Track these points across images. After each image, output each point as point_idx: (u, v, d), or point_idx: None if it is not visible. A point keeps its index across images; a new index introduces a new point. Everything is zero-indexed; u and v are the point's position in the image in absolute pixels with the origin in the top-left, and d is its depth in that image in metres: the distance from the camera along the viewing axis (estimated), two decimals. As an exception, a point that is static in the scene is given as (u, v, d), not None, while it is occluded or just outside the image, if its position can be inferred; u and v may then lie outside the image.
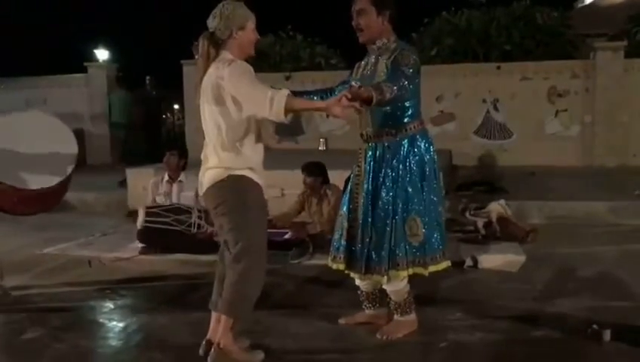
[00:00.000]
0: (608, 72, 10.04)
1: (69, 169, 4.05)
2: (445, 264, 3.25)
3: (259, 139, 2.97)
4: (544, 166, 9.49)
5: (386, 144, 3.19)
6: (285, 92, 2.72)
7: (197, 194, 5.99)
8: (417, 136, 3.20)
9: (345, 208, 3.34)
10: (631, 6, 15.49)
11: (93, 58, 13.52)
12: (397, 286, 3.22)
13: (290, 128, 10.21)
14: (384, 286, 3.27)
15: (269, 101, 2.68)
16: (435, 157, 3.28)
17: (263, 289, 3.01)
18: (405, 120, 3.18)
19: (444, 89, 10.73)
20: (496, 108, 10.56)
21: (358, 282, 3.38)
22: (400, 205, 3.12)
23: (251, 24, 2.95)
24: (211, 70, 2.87)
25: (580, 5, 23.16)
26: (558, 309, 3.75)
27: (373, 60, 3.24)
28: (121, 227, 6.36)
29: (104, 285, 4.41)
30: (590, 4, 23.46)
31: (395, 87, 2.88)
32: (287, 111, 2.69)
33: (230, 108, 2.83)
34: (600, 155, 9.99)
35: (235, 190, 2.89)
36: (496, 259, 4.79)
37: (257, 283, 2.93)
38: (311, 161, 5.69)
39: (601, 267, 4.68)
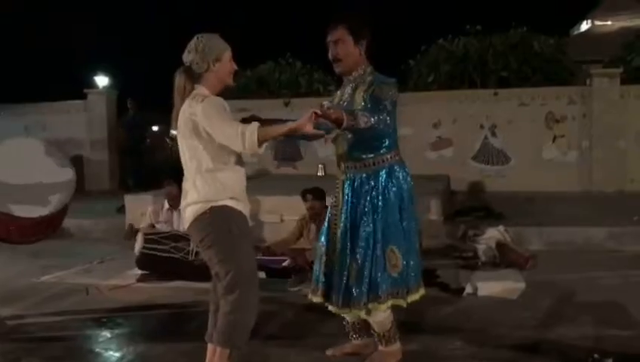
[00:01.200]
0: (605, 98, 10.10)
1: (66, 197, 4.04)
2: (422, 292, 3.24)
3: (239, 165, 2.97)
4: (542, 191, 9.49)
5: (364, 175, 3.17)
6: (255, 125, 2.73)
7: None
8: (395, 167, 3.19)
9: (323, 238, 3.32)
10: (625, 34, 15.69)
11: (92, 85, 13.60)
12: (379, 317, 3.16)
13: (289, 154, 10.21)
14: (365, 318, 3.22)
15: (241, 137, 2.71)
16: (412, 186, 3.27)
17: (261, 317, 2.99)
18: (382, 150, 3.16)
19: (442, 115, 10.78)
20: (494, 134, 10.60)
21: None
22: (380, 236, 3.09)
23: (228, 54, 2.98)
24: (185, 106, 2.89)
25: (575, 32, 23.46)
26: (559, 337, 3.73)
27: (349, 91, 3.21)
28: (119, 253, 6.33)
29: (101, 313, 4.38)
30: (585, 32, 23.76)
31: (372, 119, 2.88)
32: (260, 143, 2.72)
33: (206, 142, 2.85)
34: (598, 181, 10.00)
35: (219, 221, 2.89)
36: (495, 286, 4.76)
37: (251, 312, 2.92)
38: (315, 186, 5.70)
39: (602, 294, 4.66)
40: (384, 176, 3.15)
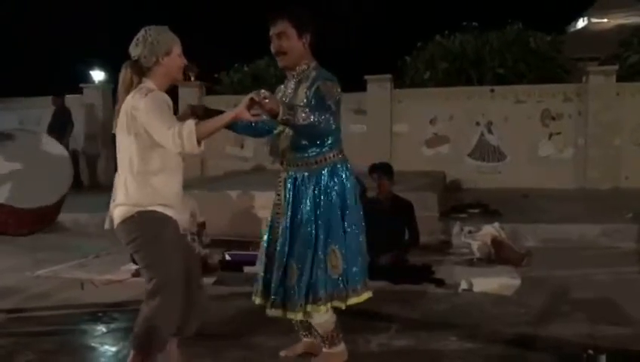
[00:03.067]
0: (601, 95, 10.13)
1: (63, 189, 4.04)
2: (367, 295, 3.10)
3: (175, 169, 2.86)
4: (537, 188, 9.52)
5: (306, 173, 3.06)
6: (192, 124, 2.63)
7: (192, 215, 6.01)
8: (338, 165, 3.09)
9: (265, 238, 3.23)
10: (621, 31, 15.74)
11: (88, 79, 13.56)
12: (320, 318, 3.05)
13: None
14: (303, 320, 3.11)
15: (179, 137, 2.60)
16: (355, 185, 3.18)
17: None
18: (325, 149, 3.06)
19: (438, 112, 10.81)
20: (490, 131, 10.62)
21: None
22: (322, 236, 2.99)
23: (177, 49, 2.87)
24: (128, 98, 2.77)
25: (571, 30, 23.50)
26: (553, 333, 3.74)
27: (292, 86, 3.13)
28: (114, 248, 6.32)
29: (96, 308, 4.38)
30: (582, 29, 23.82)
31: (311, 116, 2.77)
32: (199, 141, 2.63)
33: (142, 140, 2.75)
34: (593, 178, 10.03)
35: (145, 228, 2.80)
36: (490, 283, 4.78)
37: (170, 320, 2.84)
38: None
39: (596, 290, 4.68)
40: (326, 174, 3.04)
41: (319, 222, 3.00)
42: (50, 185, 3.99)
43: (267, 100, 2.65)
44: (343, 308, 3.06)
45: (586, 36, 21.23)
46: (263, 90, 2.68)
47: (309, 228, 3.00)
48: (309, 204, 3.02)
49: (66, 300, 4.64)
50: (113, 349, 3.67)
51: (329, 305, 3.01)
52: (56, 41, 20.65)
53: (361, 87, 11.11)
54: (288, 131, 3.04)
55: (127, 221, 2.81)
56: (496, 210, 7.37)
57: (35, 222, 4.04)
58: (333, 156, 3.09)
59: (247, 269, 5.24)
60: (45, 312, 4.35)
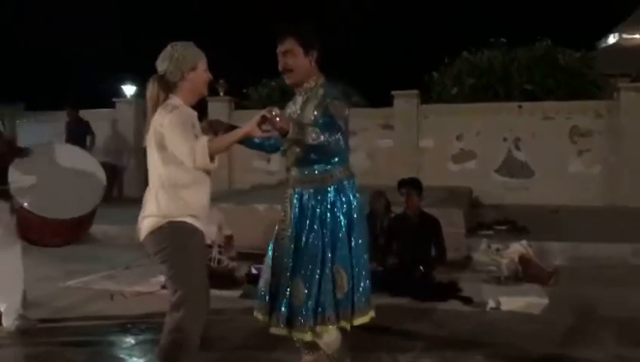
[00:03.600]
0: (632, 112, 9.97)
1: (96, 200, 4.13)
2: (371, 314, 3.07)
3: (204, 183, 2.90)
4: (566, 205, 9.40)
5: (312, 190, 3.04)
6: (204, 140, 2.67)
7: (220, 228, 6.07)
8: (344, 182, 3.06)
9: (270, 254, 3.19)
10: (653, 47, 15.50)
11: (120, 93, 13.83)
12: (327, 338, 3.01)
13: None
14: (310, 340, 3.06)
15: (192, 153, 2.65)
16: (361, 203, 3.14)
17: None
18: (331, 166, 3.03)
19: (465, 127, 10.77)
20: (517, 147, 10.54)
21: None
22: (328, 255, 2.96)
23: (202, 64, 2.91)
24: (156, 115, 2.83)
25: (602, 45, 23.23)
26: (582, 355, 3.70)
27: (300, 103, 3.12)
28: (144, 260, 6.41)
29: (125, 319, 4.44)
30: (613, 45, 23.54)
31: (322, 136, 2.76)
32: (212, 157, 2.67)
33: (169, 154, 2.80)
34: (623, 196, 9.86)
35: (175, 237, 2.83)
36: (518, 301, 4.73)
37: (195, 332, 2.85)
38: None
39: (626, 311, 4.60)
40: (332, 192, 3.02)
41: (325, 240, 2.97)
42: (83, 197, 4.09)
43: (278, 119, 2.65)
44: (348, 328, 3.01)
45: (617, 52, 20.97)
46: (275, 108, 2.69)
47: (315, 246, 2.97)
48: (315, 221, 3.00)
49: (96, 311, 4.73)
50: (141, 361, 3.72)
51: (337, 325, 2.97)
52: (87, 56, 21.13)
53: (388, 102, 11.14)
54: (295, 148, 3.03)
55: (157, 231, 2.85)
56: (523, 227, 7.30)
57: (68, 232, 4.13)
58: (340, 173, 3.06)
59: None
60: (75, 323, 4.43)
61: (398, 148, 10.86)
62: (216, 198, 2.95)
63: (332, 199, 3.02)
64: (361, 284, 3.02)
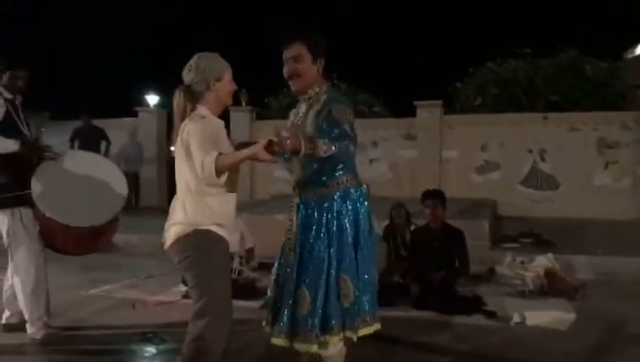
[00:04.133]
0: (660, 123, 9.81)
1: (118, 210, 4.14)
2: (376, 326, 3.00)
3: (231, 189, 2.90)
4: (593, 219, 9.24)
5: (318, 199, 2.99)
6: (213, 156, 2.67)
7: (242, 238, 6.06)
8: (350, 190, 3.01)
9: (276, 264, 3.16)
10: (683, 57, 15.22)
11: (144, 103, 13.97)
12: (331, 351, 2.94)
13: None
14: (315, 353, 2.97)
15: (201, 166, 2.68)
16: (369, 211, 3.07)
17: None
18: (338, 174, 2.99)
19: (489, 138, 10.66)
20: (543, 159, 10.40)
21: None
22: (334, 263, 2.91)
23: (228, 75, 2.94)
24: (183, 125, 2.87)
25: (630, 56, 22.89)
26: (611, 372, 3.60)
27: (303, 110, 3.08)
28: (166, 269, 6.43)
29: (147, 329, 4.44)
30: (640, 55, 23.14)
31: (333, 147, 2.72)
32: (218, 172, 2.66)
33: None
34: (652, 209, 9.67)
35: (200, 245, 2.85)
36: (544, 316, 4.63)
37: (219, 340, 2.84)
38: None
39: (656, 328, 4.48)
40: (338, 200, 2.97)
41: (331, 249, 2.92)
42: (106, 205, 4.11)
43: (289, 141, 2.61)
44: (355, 339, 2.95)
45: (644, 62, 20.64)
46: (283, 131, 2.67)
47: (320, 255, 2.92)
48: (320, 229, 2.95)
49: (118, 320, 4.74)
50: (162, 371, 3.71)
51: (342, 335, 2.92)
52: (111, 64, 21.44)
53: (411, 112, 11.08)
54: (299, 158, 2.95)
55: (182, 239, 2.87)
56: (549, 240, 7.18)
57: (91, 241, 4.14)
58: (346, 181, 3.01)
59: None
60: (97, 331, 4.44)
61: (420, 159, 10.79)
62: (237, 208, 2.98)
63: (338, 207, 2.97)
64: (366, 295, 2.96)
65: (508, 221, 9.18)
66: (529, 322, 4.55)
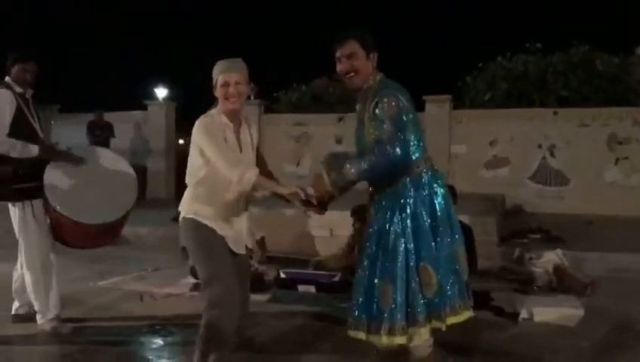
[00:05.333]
0: (672, 119, 9.72)
1: (129, 205, 4.15)
2: (467, 314, 2.96)
3: (225, 185, 3.01)
4: (603, 215, 9.18)
5: (391, 191, 2.99)
6: (255, 172, 2.91)
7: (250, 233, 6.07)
8: (424, 179, 3.00)
9: (360, 262, 3.15)
10: (695, 53, 15.05)
11: (153, 96, 14.01)
12: (417, 341, 2.95)
13: (341, 167, 10.25)
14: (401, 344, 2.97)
15: (239, 177, 2.88)
16: (447, 196, 3.05)
17: (313, 332, 2.96)
18: (407, 165, 2.97)
19: (498, 133, 10.61)
20: (552, 154, 10.34)
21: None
22: (412, 254, 2.90)
23: (221, 79, 3.06)
24: None
25: (640, 51, 22.68)
26: (620, 369, 3.58)
27: (361, 105, 3.12)
28: (174, 262, 6.45)
29: (155, 321, 4.46)
30: (652, 50, 22.92)
31: (363, 164, 2.81)
32: (253, 188, 2.95)
33: (194, 154, 3.06)
34: (663, 206, 9.59)
35: (185, 231, 3.12)
36: (552, 312, 4.61)
37: (228, 316, 2.95)
38: (361, 204, 5.65)
39: (665, 325, 4.45)
40: (411, 188, 2.96)
41: (406, 237, 2.91)
42: (117, 202, 4.12)
43: (313, 198, 2.82)
44: (443, 328, 2.93)
45: (656, 58, 20.45)
46: (309, 188, 2.88)
47: (396, 246, 2.91)
48: (394, 219, 2.95)
49: (126, 312, 4.76)
50: (170, 362, 3.72)
51: (428, 326, 2.90)
52: (121, 58, 21.51)
53: (420, 107, 11.04)
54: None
55: (180, 226, 3.16)
56: (558, 236, 7.13)
57: (100, 236, 4.17)
58: (416, 168, 3.01)
59: (301, 288, 5.24)
60: (105, 323, 4.46)
61: (429, 153, 10.72)
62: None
63: (410, 195, 2.96)
64: (450, 281, 2.92)
65: (516, 216, 9.14)
66: (537, 318, 4.53)
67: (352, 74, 3.08)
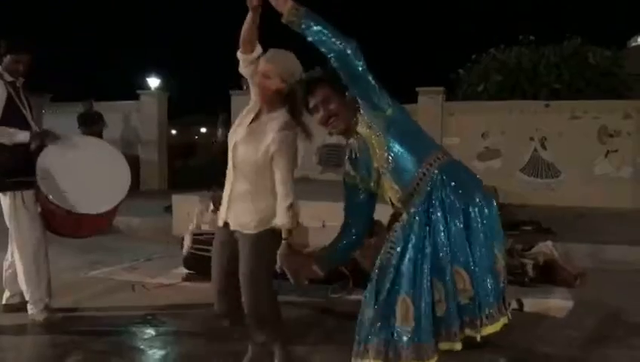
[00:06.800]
0: (663, 112, 9.77)
1: (122, 196, 4.15)
2: (503, 320, 2.61)
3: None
4: (593, 207, 9.24)
5: (413, 199, 2.60)
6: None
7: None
8: (443, 176, 2.62)
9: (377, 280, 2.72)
10: (687, 46, 15.14)
11: (145, 86, 13.94)
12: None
13: (334, 159, 10.27)
14: None
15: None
16: (478, 186, 2.76)
17: (304, 324, 2.97)
18: (417, 168, 2.62)
19: (491, 125, 10.64)
20: (543, 147, 10.38)
21: None
22: (448, 257, 2.49)
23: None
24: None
25: (633, 44, 22.78)
26: (607, 359, 3.62)
27: (359, 147, 2.72)
28: (166, 252, 6.45)
29: (146, 311, 4.47)
30: (643, 44, 23.01)
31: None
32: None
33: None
34: (652, 198, 9.67)
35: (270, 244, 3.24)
36: (542, 303, 4.65)
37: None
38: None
39: (654, 316, 4.50)
40: (433, 191, 2.56)
41: (426, 243, 2.52)
42: (109, 192, 4.11)
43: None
44: (478, 339, 2.57)
45: (647, 51, 20.53)
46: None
47: (418, 255, 2.52)
48: (414, 228, 2.55)
49: (117, 302, 4.76)
50: (162, 352, 3.73)
51: (461, 336, 2.55)
52: (115, 48, 21.38)
53: (413, 98, 11.05)
54: (387, 189, 2.71)
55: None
56: (549, 228, 7.18)
57: (92, 226, 4.16)
58: (430, 166, 2.64)
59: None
60: (97, 313, 4.47)
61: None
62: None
63: (431, 200, 2.58)
64: (486, 285, 2.54)
65: (508, 208, 9.17)
66: (527, 309, 4.57)
67: (332, 118, 2.70)
